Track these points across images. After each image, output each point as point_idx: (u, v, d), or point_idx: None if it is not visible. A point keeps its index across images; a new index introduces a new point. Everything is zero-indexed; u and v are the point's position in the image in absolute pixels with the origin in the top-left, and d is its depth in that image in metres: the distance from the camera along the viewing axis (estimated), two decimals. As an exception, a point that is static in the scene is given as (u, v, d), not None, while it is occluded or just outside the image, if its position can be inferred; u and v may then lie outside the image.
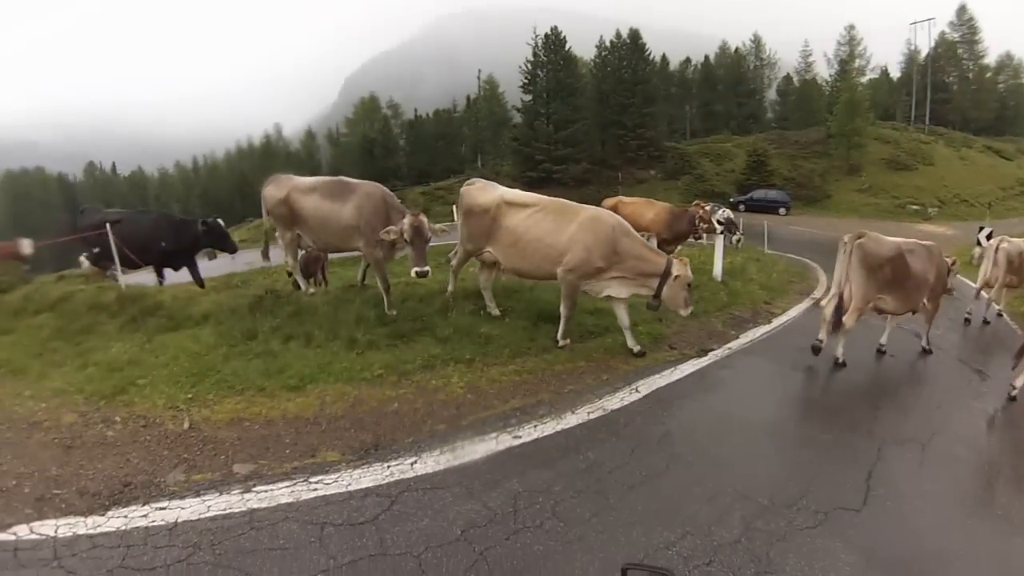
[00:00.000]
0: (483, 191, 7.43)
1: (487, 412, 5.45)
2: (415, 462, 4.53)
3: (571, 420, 5.36)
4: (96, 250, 10.04)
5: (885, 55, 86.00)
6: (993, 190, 44.89)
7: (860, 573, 3.78)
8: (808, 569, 3.73)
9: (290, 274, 8.67)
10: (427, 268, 6.87)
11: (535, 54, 47.42)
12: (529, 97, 48.20)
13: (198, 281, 10.16)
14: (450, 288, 8.14)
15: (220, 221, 10.44)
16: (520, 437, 4.96)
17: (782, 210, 39.20)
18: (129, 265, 10.17)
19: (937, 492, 4.92)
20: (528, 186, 43.42)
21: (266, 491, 4.06)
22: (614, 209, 11.87)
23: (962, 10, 64.82)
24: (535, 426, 5.18)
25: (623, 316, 7.14)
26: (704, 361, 7.26)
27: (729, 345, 7.99)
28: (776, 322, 9.51)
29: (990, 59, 66.94)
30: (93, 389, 5.52)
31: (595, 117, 50.01)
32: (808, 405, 6.75)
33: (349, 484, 4.18)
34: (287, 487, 4.12)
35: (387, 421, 5.22)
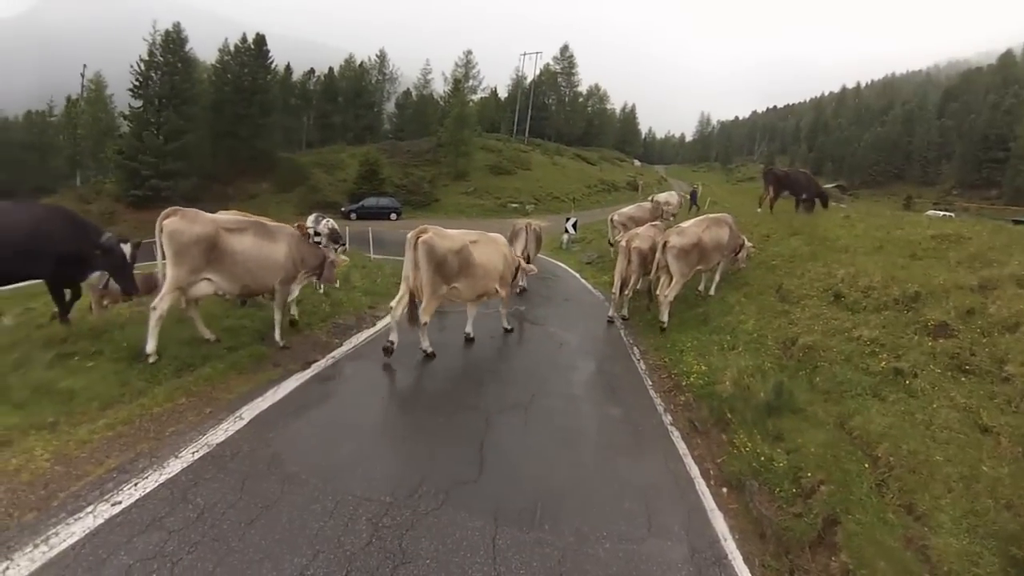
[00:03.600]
0: None
1: (80, 483, 4.61)
2: (7, 569, 3.70)
3: (175, 467, 4.87)
4: None
5: (497, 78, 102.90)
6: (580, 188, 56.31)
7: (489, 532, 4.29)
8: (442, 546, 4.10)
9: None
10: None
11: (151, 53, 41.16)
12: (139, 103, 41.65)
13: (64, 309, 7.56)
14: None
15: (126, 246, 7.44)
16: (120, 503, 4.34)
17: (393, 215, 41.21)
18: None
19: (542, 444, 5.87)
20: (133, 206, 37.92)
21: None
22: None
23: (565, 48, 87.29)
24: (135, 484, 4.58)
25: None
26: (308, 374, 7.31)
27: (332, 354, 8.17)
28: (379, 324, 10.04)
29: (583, 87, 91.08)
30: None
31: (209, 128, 46.01)
32: (415, 396, 7.20)
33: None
34: None
35: (-33, 527, 4.09)
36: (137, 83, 41.48)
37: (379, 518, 4.31)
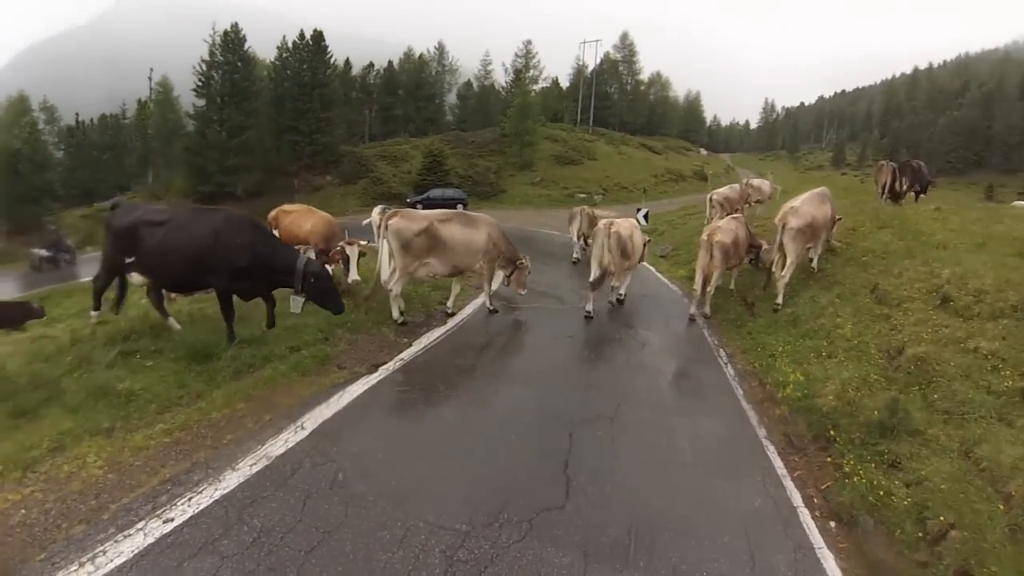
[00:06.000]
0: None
1: (133, 494, 4.33)
2: (48, 588, 3.38)
3: (231, 480, 4.52)
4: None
5: (557, 67, 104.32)
6: (646, 178, 54.55)
7: (579, 569, 3.78)
8: (526, 586, 3.59)
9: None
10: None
11: (211, 54, 42.48)
12: (203, 102, 43.04)
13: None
14: None
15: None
16: (172, 520, 4.01)
17: (459, 206, 40.42)
18: (179, 289, 7.82)
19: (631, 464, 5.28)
20: (201, 202, 37.73)
21: None
22: (275, 220, 11.00)
23: (625, 36, 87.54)
24: (190, 499, 4.25)
25: None
26: (375, 377, 6.88)
27: (401, 355, 7.71)
28: (451, 323, 9.51)
29: (644, 76, 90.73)
30: None
31: (270, 123, 46.75)
32: (491, 403, 6.58)
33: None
34: None
35: (15, 537, 3.85)
36: (200, 83, 42.66)
37: (454, 550, 3.84)
